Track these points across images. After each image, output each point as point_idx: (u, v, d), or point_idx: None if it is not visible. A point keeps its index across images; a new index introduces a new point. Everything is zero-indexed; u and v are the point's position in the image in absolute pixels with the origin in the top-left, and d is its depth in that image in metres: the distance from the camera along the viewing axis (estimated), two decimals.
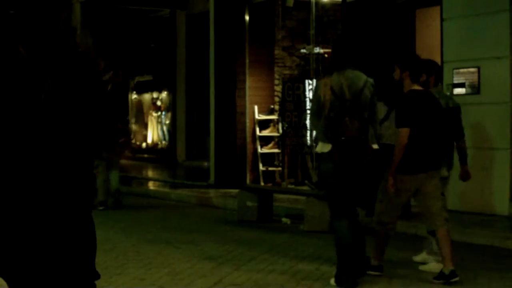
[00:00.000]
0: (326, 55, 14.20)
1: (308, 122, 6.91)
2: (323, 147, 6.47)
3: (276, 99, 15.00)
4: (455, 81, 10.92)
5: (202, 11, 17.36)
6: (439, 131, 6.86)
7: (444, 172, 7.39)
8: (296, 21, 15.38)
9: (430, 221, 7.00)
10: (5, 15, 2.50)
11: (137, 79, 22.42)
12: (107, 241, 8.61)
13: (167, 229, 10.10)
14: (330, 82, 6.38)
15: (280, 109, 14.62)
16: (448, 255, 6.66)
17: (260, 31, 14.92)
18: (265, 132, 14.67)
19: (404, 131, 6.66)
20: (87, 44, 2.61)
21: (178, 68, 19.84)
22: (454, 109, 7.65)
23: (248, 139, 14.66)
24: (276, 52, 15.32)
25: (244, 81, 14.67)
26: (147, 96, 22.47)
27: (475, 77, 10.66)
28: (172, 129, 20.45)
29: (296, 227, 9.79)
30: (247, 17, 14.75)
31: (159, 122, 21.78)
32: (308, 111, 14.05)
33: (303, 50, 14.95)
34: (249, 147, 14.66)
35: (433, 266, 7.17)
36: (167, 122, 21.26)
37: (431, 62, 7.64)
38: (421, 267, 7.32)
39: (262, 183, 14.17)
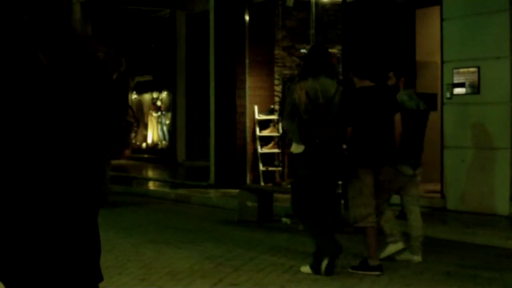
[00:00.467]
0: None
1: (283, 122, 7.18)
2: (297, 148, 6.85)
3: (276, 99, 14.99)
4: (455, 81, 10.92)
5: (202, 11, 17.37)
6: (388, 125, 7.10)
7: (408, 171, 7.67)
8: (296, 21, 15.37)
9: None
10: (20, 21, 2.50)
11: (137, 79, 22.42)
12: (107, 241, 8.61)
13: (167, 229, 10.10)
14: (305, 86, 6.78)
15: (280, 109, 14.62)
16: (374, 253, 7.07)
17: (260, 31, 14.91)
18: (265, 132, 14.66)
19: (348, 130, 6.98)
20: (95, 41, 2.61)
21: (178, 68, 19.84)
22: (424, 111, 7.84)
23: (248, 139, 14.66)
24: (276, 52, 15.32)
25: (244, 81, 14.67)
26: (147, 96, 22.48)
27: (475, 77, 10.66)
28: (172, 129, 20.46)
29: (296, 227, 9.79)
30: (247, 17, 14.75)
31: (159, 122, 21.80)
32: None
33: (303, 50, 14.93)
34: (249, 147, 14.66)
35: (391, 248, 7.55)
36: (167, 122, 21.27)
37: (402, 65, 7.93)
38: (382, 254, 7.50)
39: (262, 183, 14.17)
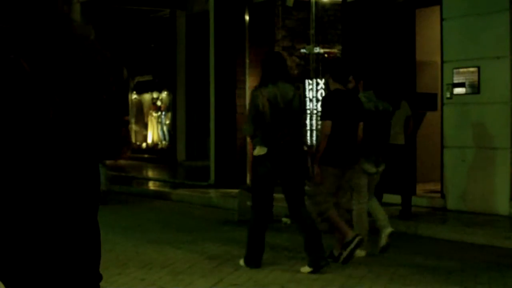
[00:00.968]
0: (326, 55, 14.20)
1: (245, 127, 7.52)
2: (260, 150, 7.22)
3: None
4: (455, 81, 10.92)
5: (202, 11, 17.37)
6: (356, 128, 7.58)
7: (371, 168, 8.06)
8: (296, 21, 15.37)
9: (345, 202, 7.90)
10: (2, 29, 2.46)
11: (137, 79, 22.42)
12: (107, 241, 8.60)
13: (167, 229, 10.10)
14: (266, 92, 7.16)
15: None
16: (345, 227, 7.54)
17: (260, 31, 14.91)
18: None
19: (327, 123, 7.38)
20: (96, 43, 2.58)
21: (178, 68, 19.84)
22: (384, 111, 8.25)
23: (248, 139, 14.65)
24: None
25: (244, 81, 14.67)
26: (147, 96, 22.48)
27: (475, 77, 10.66)
28: (172, 129, 20.46)
29: (296, 227, 9.78)
30: (247, 17, 14.75)
31: (159, 122, 21.79)
32: (308, 112, 14.06)
33: (303, 50, 14.95)
34: (249, 147, 14.64)
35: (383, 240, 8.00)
36: (167, 122, 21.27)
37: (360, 68, 8.42)
38: (380, 244, 8.00)
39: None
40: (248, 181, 14.44)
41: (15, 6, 2.51)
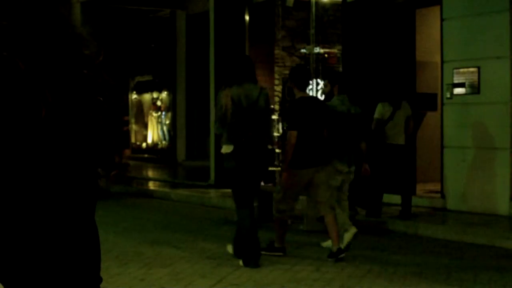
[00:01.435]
0: (326, 55, 14.20)
1: (215, 126, 7.95)
2: (227, 148, 7.55)
3: (276, 99, 14.99)
4: (455, 81, 10.92)
5: (202, 11, 17.37)
6: (323, 131, 7.93)
7: (343, 168, 8.42)
8: (296, 21, 15.37)
9: (317, 209, 8.19)
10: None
11: (137, 79, 22.42)
12: (107, 241, 8.61)
13: (167, 229, 10.10)
14: (231, 93, 7.51)
15: (280, 109, 14.62)
16: (335, 237, 7.76)
17: (260, 31, 14.91)
18: None
19: (293, 133, 7.72)
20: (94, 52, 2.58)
21: (178, 68, 19.84)
22: (355, 115, 8.58)
23: None
24: (276, 52, 15.31)
25: None
26: (147, 96, 22.47)
27: (475, 77, 10.66)
28: (172, 129, 20.46)
29: (296, 227, 9.79)
30: (247, 17, 14.74)
31: (159, 122, 21.79)
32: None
33: (303, 50, 14.93)
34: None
35: (347, 236, 8.08)
36: (167, 122, 21.27)
37: (336, 73, 8.85)
38: (342, 245, 7.97)
39: (262, 183, 14.14)
40: None
41: (13, 5, 2.52)
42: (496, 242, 8.73)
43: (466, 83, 10.78)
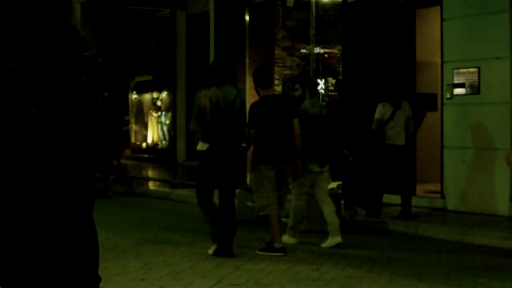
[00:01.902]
0: (326, 55, 14.20)
1: (190, 124, 8.50)
2: (202, 146, 7.99)
3: None
4: (455, 81, 10.92)
5: (202, 11, 17.37)
6: (287, 128, 8.23)
7: (315, 168, 8.72)
8: (296, 21, 15.37)
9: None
10: None
11: (137, 79, 22.41)
12: (107, 241, 8.61)
13: (167, 229, 10.10)
14: (209, 94, 7.93)
15: None
16: (277, 233, 8.14)
17: (260, 31, 14.91)
18: None
19: (251, 132, 8.14)
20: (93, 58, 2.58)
21: (178, 68, 19.83)
22: (327, 116, 8.95)
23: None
24: (276, 52, 15.31)
25: (244, 81, 14.67)
26: (147, 96, 22.47)
27: (475, 77, 10.66)
28: (172, 129, 20.45)
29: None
30: (247, 17, 14.74)
31: (159, 122, 21.78)
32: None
33: (303, 50, 14.95)
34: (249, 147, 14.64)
35: (286, 238, 8.58)
36: (167, 122, 21.26)
37: (307, 78, 9.31)
38: (323, 245, 8.58)
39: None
40: (248, 181, 14.42)
41: (12, 7, 2.52)
42: (495, 243, 8.73)
43: (466, 84, 10.78)
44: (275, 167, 8.16)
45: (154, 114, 21.96)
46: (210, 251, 8.03)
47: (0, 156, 2.43)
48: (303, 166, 8.47)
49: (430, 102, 12.64)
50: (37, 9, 2.54)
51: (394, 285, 6.77)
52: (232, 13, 14.70)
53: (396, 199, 10.51)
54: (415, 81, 12.06)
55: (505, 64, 10.34)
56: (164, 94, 21.50)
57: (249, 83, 14.66)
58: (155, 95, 22.00)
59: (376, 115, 10.24)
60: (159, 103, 21.83)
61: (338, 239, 8.60)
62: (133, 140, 22.72)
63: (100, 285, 2.75)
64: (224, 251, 7.90)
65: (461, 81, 10.84)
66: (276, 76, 15.17)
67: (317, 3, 14.03)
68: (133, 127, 22.78)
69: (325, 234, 8.78)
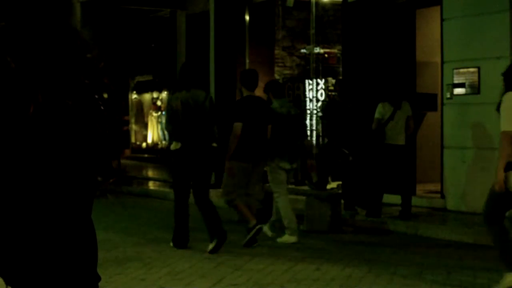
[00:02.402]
0: (326, 55, 14.21)
1: (165, 125, 9.12)
2: (176, 145, 8.39)
3: None
4: (455, 81, 10.91)
5: (202, 11, 17.36)
6: (264, 129, 8.80)
7: (286, 165, 9.02)
8: (296, 21, 15.38)
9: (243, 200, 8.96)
10: None
11: (137, 79, 22.41)
12: (107, 241, 8.61)
13: (167, 229, 10.09)
14: (180, 97, 8.39)
15: None
16: (249, 214, 8.67)
17: (260, 31, 14.91)
18: None
19: (238, 125, 8.60)
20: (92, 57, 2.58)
21: (178, 68, 19.81)
22: (296, 115, 9.28)
23: None
24: (276, 52, 15.31)
25: None
26: (147, 96, 22.47)
27: (475, 77, 10.66)
28: None
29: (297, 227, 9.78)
30: (247, 17, 14.74)
31: (159, 122, 21.78)
32: (308, 112, 14.07)
33: (303, 50, 14.95)
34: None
35: (286, 238, 8.86)
36: None
37: (268, 83, 9.64)
38: (279, 240, 8.89)
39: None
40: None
41: (14, 7, 2.52)
42: None
43: (466, 83, 10.78)
44: (252, 165, 8.71)
45: (154, 114, 21.96)
46: (210, 246, 8.25)
47: None
48: (274, 163, 8.95)
49: (430, 102, 12.64)
50: (39, 9, 2.55)
51: (394, 285, 6.77)
52: (232, 13, 14.70)
53: (396, 199, 10.51)
54: (415, 81, 12.06)
55: (505, 64, 10.27)
56: (164, 94, 21.50)
57: None
58: (155, 95, 22.00)
59: (376, 115, 10.25)
60: (159, 103, 21.84)
61: (294, 239, 8.93)
62: (133, 140, 22.72)
63: (100, 285, 2.75)
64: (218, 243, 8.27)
65: (461, 81, 10.84)
66: (276, 76, 15.17)
67: (317, 3, 14.03)
68: (133, 127, 22.78)
69: (325, 234, 8.79)
